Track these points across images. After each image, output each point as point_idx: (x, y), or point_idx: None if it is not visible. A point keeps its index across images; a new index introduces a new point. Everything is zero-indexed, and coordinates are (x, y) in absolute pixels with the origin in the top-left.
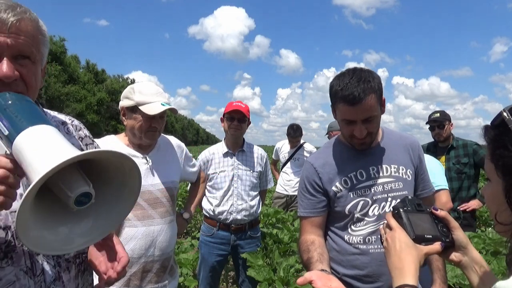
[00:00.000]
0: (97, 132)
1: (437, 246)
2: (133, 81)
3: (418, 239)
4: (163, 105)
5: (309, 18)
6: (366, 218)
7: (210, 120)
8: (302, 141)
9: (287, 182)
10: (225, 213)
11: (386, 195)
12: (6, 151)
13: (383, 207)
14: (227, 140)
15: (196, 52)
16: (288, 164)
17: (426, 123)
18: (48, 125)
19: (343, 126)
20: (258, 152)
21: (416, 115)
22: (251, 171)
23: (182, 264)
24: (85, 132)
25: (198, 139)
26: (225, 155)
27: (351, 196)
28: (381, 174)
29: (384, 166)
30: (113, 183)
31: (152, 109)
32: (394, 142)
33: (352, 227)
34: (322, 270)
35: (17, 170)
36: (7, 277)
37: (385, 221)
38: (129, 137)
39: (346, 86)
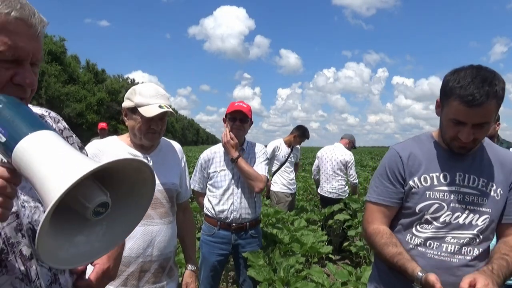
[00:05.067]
0: (97, 132)
1: None
2: (133, 81)
3: None
4: (161, 107)
5: (309, 19)
6: (435, 222)
7: (210, 120)
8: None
9: (291, 182)
10: (225, 212)
11: (464, 206)
12: (1, 160)
13: (457, 217)
14: None
15: (196, 53)
16: (287, 163)
17: None
18: (49, 131)
19: (449, 125)
20: (258, 149)
21: (416, 115)
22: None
23: (183, 264)
24: (63, 124)
25: (198, 139)
26: (226, 153)
27: (427, 195)
28: (466, 183)
29: (472, 176)
30: (125, 187)
31: (149, 112)
32: (492, 156)
33: (418, 227)
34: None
35: (14, 179)
36: (3, 287)
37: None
38: (131, 138)
39: (467, 84)
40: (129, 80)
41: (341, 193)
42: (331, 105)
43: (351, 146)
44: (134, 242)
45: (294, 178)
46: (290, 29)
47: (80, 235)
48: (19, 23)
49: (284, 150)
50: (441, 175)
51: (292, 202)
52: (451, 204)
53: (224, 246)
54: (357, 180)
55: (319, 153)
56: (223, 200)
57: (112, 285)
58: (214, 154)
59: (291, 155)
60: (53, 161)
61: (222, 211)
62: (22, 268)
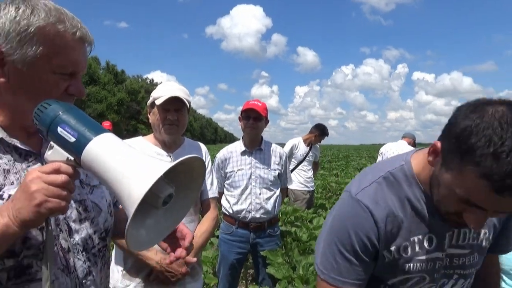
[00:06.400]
0: (117, 131)
1: None
2: (152, 81)
3: None
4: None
5: (327, 16)
6: None
7: (228, 118)
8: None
9: (308, 179)
10: (243, 212)
11: (452, 271)
12: (68, 157)
13: (443, 284)
14: (244, 138)
15: (214, 52)
16: (305, 162)
17: None
18: (110, 133)
19: (454, 200)
20: (276, 150)
21: (437, 111)
22: (269, 169)
23: (202, 262)
24: None
25: (216, 137)
26: (243, 153)
27: (405, 268)
28: (455, 242)
29: (463, 229)
30: (182, 179)
31: (161, 99)
32: None
33: None
34: None
35: (76, 176)
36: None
37: None
38: (155, 135)
39: (507, 156)
40: (148, 80)
41: None
42: (349, 102)
43: (412, 145)
44: None
45: (312, 176)
46: (307, 26)
47: (149, 219)
48: (79, 41)
49: (302, 149)
50: (426, 238)
51: (310, 200)
52: (435, 274)
53: (242, 245)
54: None
55: (383, 150)
56: (241, 199)
57: (135, 282)
58: (231, 153)
59: (310, 154)
60: (129, 161)
61: (240, 211)
62: (63, 260)
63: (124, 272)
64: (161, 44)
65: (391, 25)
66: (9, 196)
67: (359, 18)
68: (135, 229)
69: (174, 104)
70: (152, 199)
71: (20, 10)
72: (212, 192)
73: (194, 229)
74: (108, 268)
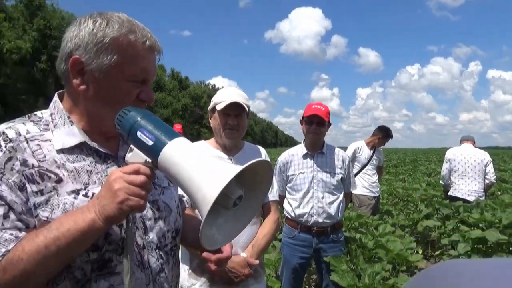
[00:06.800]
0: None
1: None
2: (213, 86)
3: None
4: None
5: (389, 14)
6: None
7: (288, 122)
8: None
9: (373, 184)
10: (305, 216)
11: None
12: (146, 159)
13: None
14: (306, 142)
15: (273, 56)
16: (369, 166)
17: None
18: (183, 137)
19: None
20: (339, 154)
21: None
22: (331, 173)
23: (265, 265)
24: None
25: (277, 141)
26: (304, 156)
27: None
28: None
29: None
30: (251, 182)
31: (221, 105)
32: None
33: None
34: None
35: (153, 177)
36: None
37: None
38: (216, 139)
39: None
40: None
41: (480, 195)
42: (416, 103)
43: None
44: None
45: (377, 180)
46: (369, 26)
47: (220, 219)
48: (150, 51)
49: (365, 152)
50: None
51: (376, 205)
52: None
53: (305, 249)
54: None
55: (450, 155)
56: (303, 203)
57: (200, 281)
58: (292, 156)
59: (374, 157)
60: (202, 164)
61: (302, 215)
62: (138, 256)
63: (190, 271)
64: (222, 50)
65: (460, 20)
66: (93, 194)
67: (425, 15)
68: (208, 228)
69: (234, 109)
70: (224, 200)
71: (97, 23)
72: (273, 195)
73: (256, 231)
74: (178, 267)
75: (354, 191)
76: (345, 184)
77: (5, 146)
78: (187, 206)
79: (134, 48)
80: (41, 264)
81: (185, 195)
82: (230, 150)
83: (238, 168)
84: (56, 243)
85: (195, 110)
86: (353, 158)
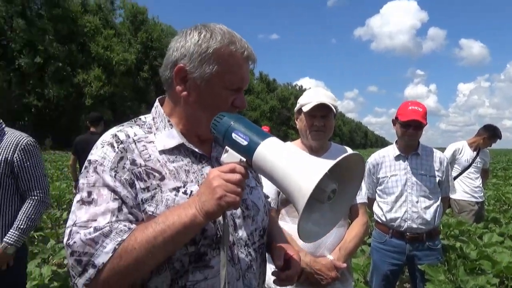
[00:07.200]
0: None
1: None
2: (301, 88)
3: None
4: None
5: (496, 1)
6: None
7: (378, 122)
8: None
9: (475, 189)
10: (398, 220)
11: None
12: (240, 159)
13: None
14: (399, 142)
15: (363, 54)
16: (471, 168)
17: None
18: (274, 137)
19: None
20: (436, 155)
21: None
22: (427, 176)
23: (353, 269)
24: None
25: (366, 142)
26: (397, 158)
27: None
28: None
29: None
30: (341, 174)
31: (307, 106)
32: None
33: None
34: None
35: (247, 176)
36: (218, 265)
37: None
38: (302, 140)
39: None
40: (297, 87)
41: None
42: None
43: None
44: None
45: (481, 185)
46: (471, 15)
47: (314, 214)
48: (246, 60)
49: (467, 154)
50: None
51: (480, 212)
52: None
53: (397, 256)
54: None
55: None
56: (396, 207)
57: None
58: (383, 158)
59: (477, 159)
60: (295, 160)
61: (395, 219)
62: (229, 252)
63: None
64: (310, 51)
65: None
66: (191, 192)
67: None
68: (304, 222)
69: (321, 110)
70: (318, 194)
71: (202, 35)
72: (361, 197)
73: (343, 234)
74: (265, 265)
75: (453, 196)
76: (443, 187)
77: (117, 147)
78: (273, 207)
79: (234, 58)
80: (151, 254)
81: (269, 195)
82: (317, 151)
83: (332, 162)
84: (163, 235)
85: (283, 111)
86: (452, 159)
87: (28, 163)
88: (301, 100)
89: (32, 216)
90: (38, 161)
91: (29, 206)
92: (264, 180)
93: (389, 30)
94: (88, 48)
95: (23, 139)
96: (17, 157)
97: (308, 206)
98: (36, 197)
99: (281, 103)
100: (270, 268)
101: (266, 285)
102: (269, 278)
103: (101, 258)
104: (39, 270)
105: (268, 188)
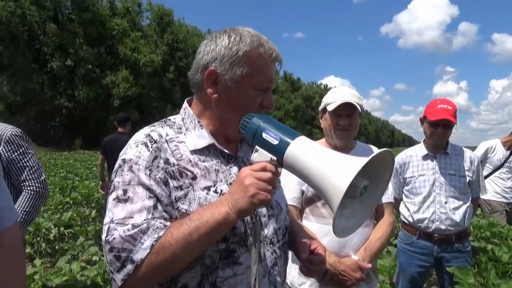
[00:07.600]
0: None
1: None
2: (325, 86)
3: None
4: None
5: None
6: None
7: (406, 120)
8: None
9: (506, 189)
10: (426, 221)
11: None
12: (271, 158)
13: None
14: (427, 142)
15: (390, 51)
16: (503, 168)
17: None
18: (304, 136)
19: None
20: (466, 154)
21: None
22: (457, 176)
23: (378, 271)
24: None
25: (393, 141)
26: (425, 157)
27: None
28: None
29: None
30: (371, 171)
31: (332, 105)
32: None
33: None
34: None
35: (278, 174)
36: (246, 262)
37: None
38: (326, 139)
39: None
40: (322, 86)
41: None
42: None
43: None
44: (330, 239)
45: None
46: (505, 8)
47: (346, 209)
48: (273, 61)
49: (500, 153)
50: None
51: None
52: None
53: (424, 258)
54: None
55: None
56: (423, 208)
57: (310, 281)
58: (410, 157)
59: (510, 159)
60: (328, 158)
61: (422, 220)
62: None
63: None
64: (335, 49)
65: None
66: (221, 191)
67: None
68: (338, 218)
69: (346, 109)
70: (352, 191)
71: (232, 38)
72: (387, 197)
73: (369, 234)
74: (287, 263)
75: (483, 196)
76: (473, 188)
77: (151, 147)
78: (297, 206)
79: (263, 60)
80: (186, 249)
81: (294, 194)
82: (342, 150)
83: (365, 159)
84: (197, 232)
85: (307, 110)
86: (484, 158)
87: (15, 154)
88: (325, 99)
89: (27, 209)
90: (27, 152)
91: (23, 199)
92: (288, 180)
93: (418, 26)
94: (116, 50)
95: (7, 131)
96: (3, 150)
97: (341, 202)
98: (30, 189)
99: (306, 102)
100: (295, 268)
101: (290, 285)
102: (293, 278)
103: (140, 254)
104: (69, 266)
105: (293, 187)
